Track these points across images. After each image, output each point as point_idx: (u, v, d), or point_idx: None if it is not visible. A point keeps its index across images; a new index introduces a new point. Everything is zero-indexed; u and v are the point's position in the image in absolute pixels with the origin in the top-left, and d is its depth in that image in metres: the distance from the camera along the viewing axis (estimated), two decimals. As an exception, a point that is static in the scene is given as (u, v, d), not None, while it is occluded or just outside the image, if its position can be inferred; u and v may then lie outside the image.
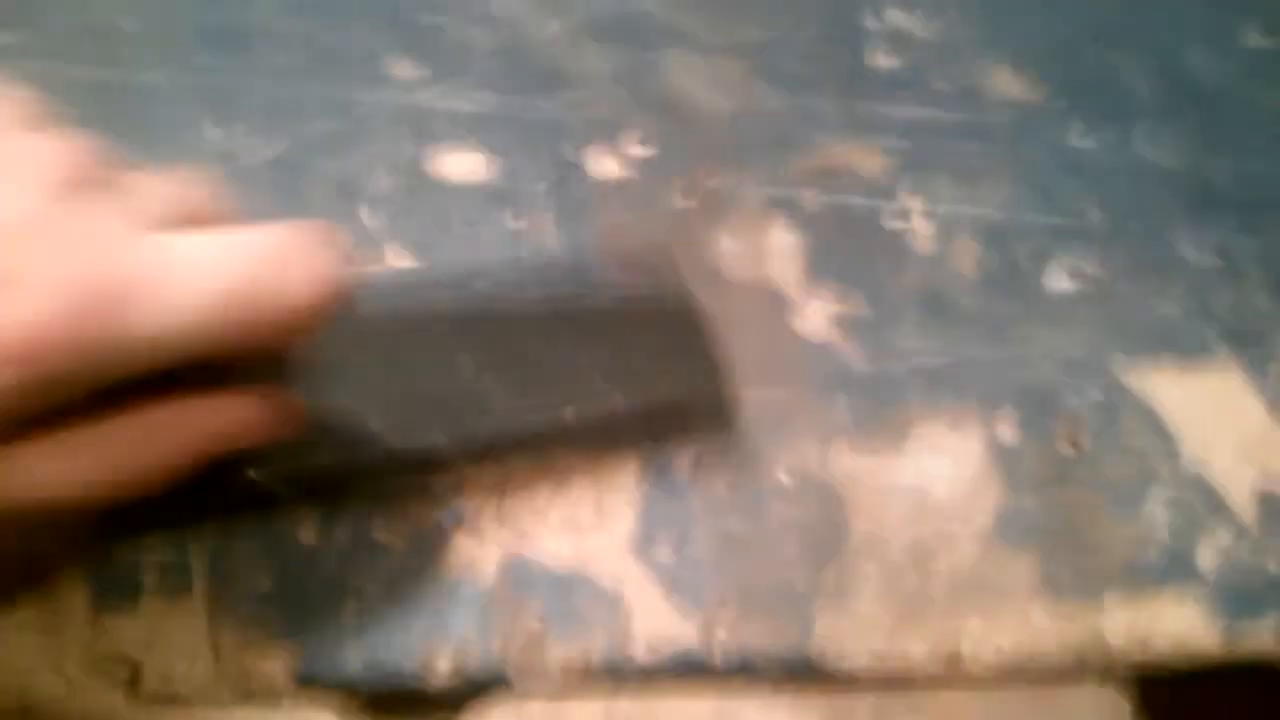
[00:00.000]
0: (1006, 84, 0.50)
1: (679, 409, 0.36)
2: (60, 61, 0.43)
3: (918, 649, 0.35)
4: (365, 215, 0.41)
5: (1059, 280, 0.43)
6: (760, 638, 0.34)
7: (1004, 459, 0.39)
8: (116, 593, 0.33)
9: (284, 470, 0.32)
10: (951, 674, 0.35)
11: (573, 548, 0.35)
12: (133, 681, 0.32)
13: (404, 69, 0.45)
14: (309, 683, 0.32)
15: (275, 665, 0.32)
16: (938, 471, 0.38)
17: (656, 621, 0.34)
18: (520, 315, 0.36)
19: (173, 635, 0.32)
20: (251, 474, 0.31)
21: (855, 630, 0.35)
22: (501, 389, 0.34)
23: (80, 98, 0.34)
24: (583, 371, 0.35)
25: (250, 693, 0.32)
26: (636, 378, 0.35)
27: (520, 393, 0.34)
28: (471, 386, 0.34)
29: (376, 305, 0.35)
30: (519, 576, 0.34)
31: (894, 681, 0.34)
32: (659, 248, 0.38)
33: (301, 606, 0.33)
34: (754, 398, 0.39)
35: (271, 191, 0.41)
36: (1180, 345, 0.42)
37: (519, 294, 0.36)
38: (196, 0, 0.45)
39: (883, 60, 0.49)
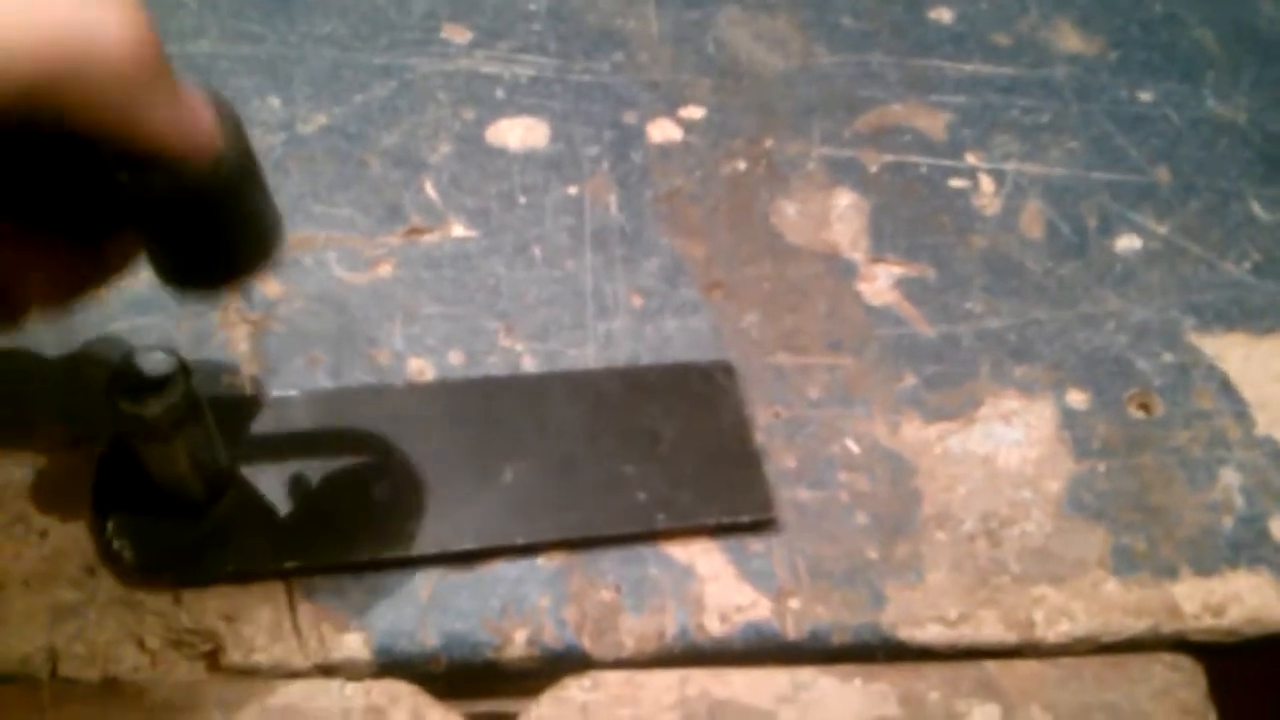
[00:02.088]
0: (1067, 38, 0.49)
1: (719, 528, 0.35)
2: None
3: (990, 620, 0.35)
4: (428, 185, 0.40)
5: (1127, 241, 0.43)
6: (832, 609, 0.34)
7: (1074, 426, 0.38)
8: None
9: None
10: (1024, 645, 0.35)
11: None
12: (214, 655, 0.32)
13: (457, 34, 0.44)
14: (388, 657, 0.32)
15: (354, 640, 0.32)
16: (1008, 439, 0.38)
17: (729, 593, 0.34)
18: (571, 428, 0.36)
19: (252, 610, 0.33)
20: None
21: (927, 602, 0.35)
22: (542, 501, 0.34)
23: None
24: (628, 488, 0.35)
25: (330, 667, 0.32)
26: (681, 499, 0.35)
27: (563, 506, 0.34)
28: (512, 496, 0.34)
29: (423, 412, 0.35)
30: (592, 556, 0.34)
31: (965, 653, 0.34)
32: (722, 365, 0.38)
33: (380, 582, 0.33)
34: (821, 365, 0.38)
35: (332, 161, 0.40)
36: (1252, 308, 0.41)
37: (570, 406, 0.36)
38: (246, -35, 0.44)
39: (940, 15, 0.48)
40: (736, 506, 0.35)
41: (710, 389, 0.37)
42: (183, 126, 0.25)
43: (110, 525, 0.33)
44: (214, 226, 0.28)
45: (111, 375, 0.28)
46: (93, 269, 0.30)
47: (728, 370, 0.38)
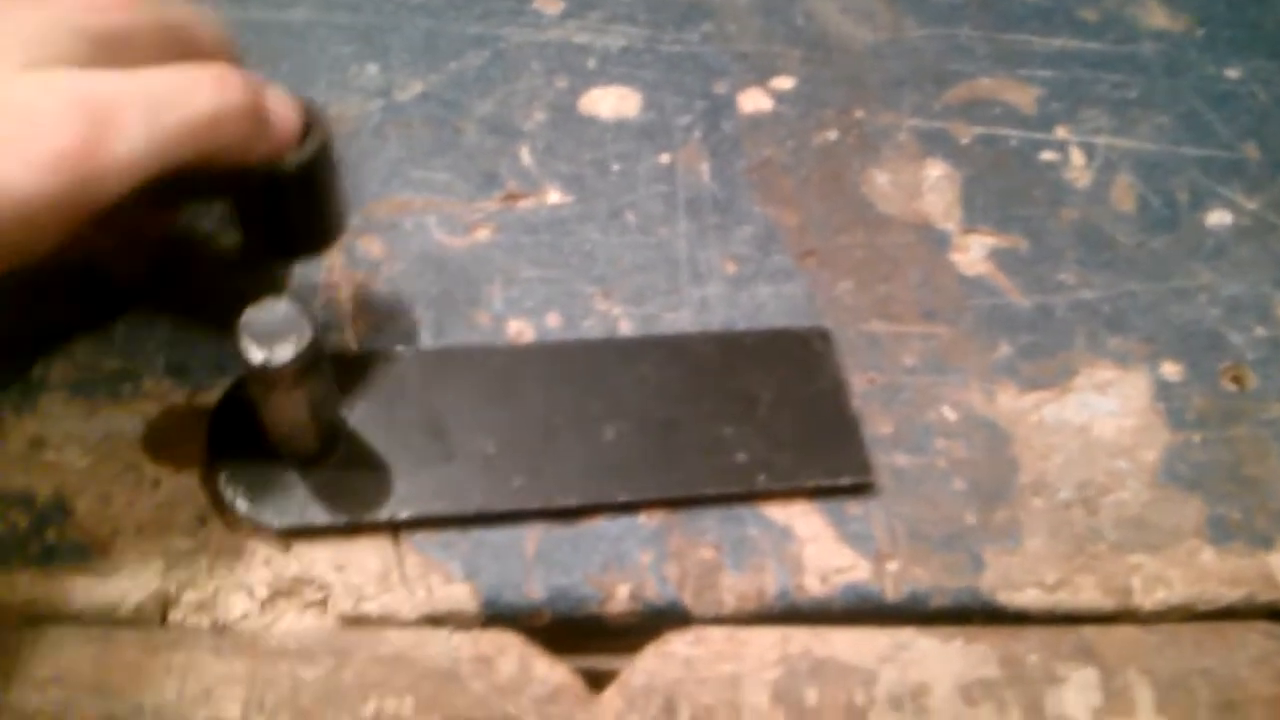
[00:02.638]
0: (1154, 14, 0.48)
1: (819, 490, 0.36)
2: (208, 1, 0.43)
3: (1087, 586, 0.35)
4: (524, 152, 0.41)
5: (1217, 216, 0.42)
6: (931, 573, 0.34)
7: (1169, 397, 0.38)
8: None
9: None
10: (1120, 612, 0.35)
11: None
12: (323, 604, 0.33)
13: (549, 4, 0.45)
14: (493, 609, 0.33)
15: (461, 591, 0.33)
16: (1103, 409, 0.38)
17: (828, 554, 0.34)
18: (670, 390, 0.36)
19: (362, 560, 0.33)
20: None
21: (1025, 567, 0.35)
22: (642, 460, 0.35)
23: (244, 41, 0.34)
24: (727, 449, 0.35)
25: (437, 617, 0.33)
26: (781, 461, 0.35)
27: (664, 465, 0.35)
28: (613, 454, 0.35)
29: (525, 372, 0.36)
30: (692, 515, 0.35)
31: (1063, 618, 0.34)
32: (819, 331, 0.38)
33: (486, 536, 0.34)
34: (915, 334, 0.38)
35: (429, 127, 0.41)
36: (1346, 283, 0.41)
37: (668, 369, 0.37)
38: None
39: (1027, -10, 0.48)
40: (836, 469, 0.35)
41: (807, 354, 0.37)
42: (275, 144, 0.32)
43: (223, 475, 0.33)
44: (291, 209, 0.34)
45: (240, 322, 0.29)
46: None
47: (824, 336, 0.38)
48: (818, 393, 0.37)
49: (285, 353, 0.28)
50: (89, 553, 0.33)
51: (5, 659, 0.31)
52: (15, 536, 0.33)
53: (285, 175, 0.32)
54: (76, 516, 0.33)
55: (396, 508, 0.33)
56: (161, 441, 0.35)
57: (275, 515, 0.33)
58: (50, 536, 0.33)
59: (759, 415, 0.36)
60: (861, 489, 0.35)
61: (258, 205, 0.33)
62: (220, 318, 0.33)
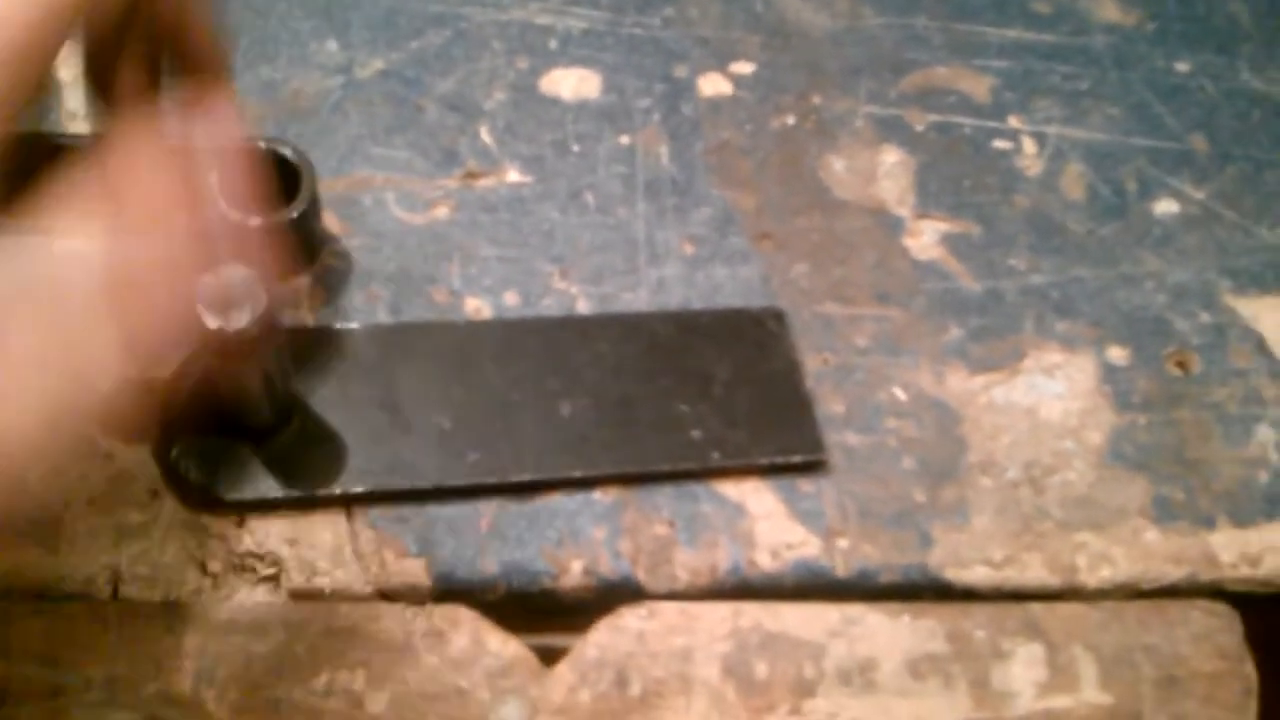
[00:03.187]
0: (1104, 8, 0.49)
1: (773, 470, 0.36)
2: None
3: (1034, 564, 0.35)
4: (484, 131, 0.41)
5: (1165, 205, 0.43)
6: (881, 549, 0.35)
7: (1115, 380, 0.39)
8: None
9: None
10: (1066, 589, 0.35)
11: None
12: (275, 579, 0.33)
13: (511, -16, 0.45)
14: (447, 584, 0.33)
15: (415, 565, 0.33)
16: (1051, 391, 0.38)
17: (780, 530, 0.35)
18: (626, 367, 0.36)
19: (315, 534, 0.33)
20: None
21: (972, 544, 0.35)
22: (598, 436, 0.35)
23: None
24: (682, 427, 0.36)
25: (391, 592, 0.33)
26: (734, 438, 0.36)
27: (619, 441, 0.35)
28: (570, 431, 0.35)
29: (483, 348, 0.36)
30: (647, 492, 0.35)
31: (1010, 595, 0.35)
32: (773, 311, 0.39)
33: (440, 511, 0.34)
34: (869, 315, 0.39)
35: (389, 105, 0.41)
36: (1287, 272, 0.42)
37: (624, 346, 0.37)
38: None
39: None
40: (789, 447, 0.36)
41: (762, 334, 0.38)
42: None
43: (176, 449, 0.33)
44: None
45: (196, 289, 0.28)
46: None
47: (778, 316, 0.38)
48: (772, 372, 0.37)
49: (241, 319, 0.28)
50: (40, 525, 0.33)
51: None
52: (-37, 508, 0.32)
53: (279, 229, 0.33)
54: (27, 488, 0.33)
55: (351, 482, 0.33)
56: (114, 414, 0.35)
57: (228, 489, 0.33)
58: (-1, 508, 0.32)
59: (714, 394, 0.36)
60: (814, 466, 0.36)
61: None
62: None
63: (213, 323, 0.28)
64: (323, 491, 0.33)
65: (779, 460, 0.36)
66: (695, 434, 0.35)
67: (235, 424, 0.33)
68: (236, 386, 0.31)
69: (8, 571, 0.32)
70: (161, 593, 0.33)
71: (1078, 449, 0.37)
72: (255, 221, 0.34)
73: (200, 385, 0.33)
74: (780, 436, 0.36)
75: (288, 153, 0.34)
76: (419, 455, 0.34)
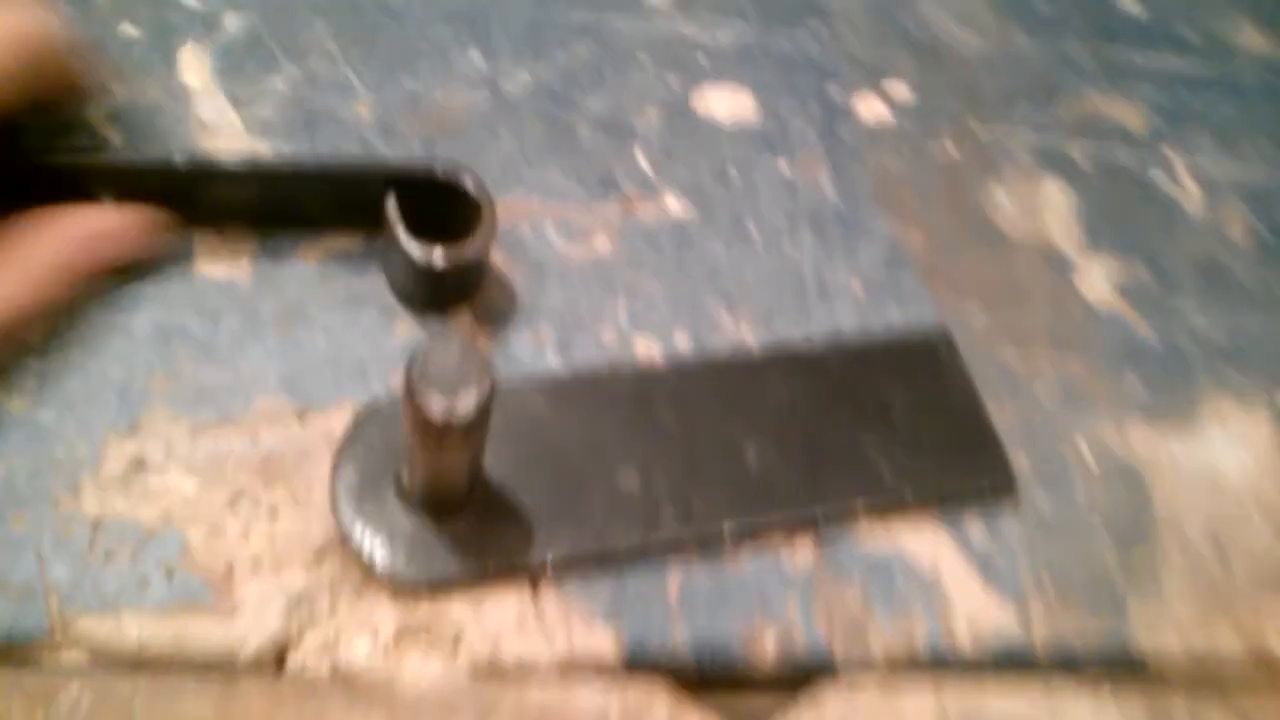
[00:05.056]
0: (1250, 37, 0.48)
1: (964, 499, 0.35)
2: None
3: (1223, 634, 0.34)
4: (639, 155, 0.38)
5: (1325, 247, 0.42)
6: (1076, 619, 0.33)
7: (1292, 435, 0.38)
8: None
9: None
10: (1260, 670, 0.34)
11: (887, 529, 0.34)
12: (454, 648, 0.31)
13: (656, -7, 0.42)
14: (637, 654, 0.31)
15: (603, 635, 0.31)
16: (1229, 450, 0.37)
17: (972, 597, 0.33)
18: (801, 402, 0.34)
19: (496, 602, 0.31)
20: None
21: (1168, 620, 0.34)
22: (785, 479, 0.33)
23: (339, 19, 0.31)
24: (868, 460, 0.34)
25: (576, 663, 0.31)
26: (921, 468, 0.34)
27: (806, 483, 0.33)
28: (758, 476, 0.33)
29: (657, 395, 0.34)
30: (837, 559, 0.33)
31: (1208, 680, 0.34)
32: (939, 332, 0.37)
33: (627, 573, 0.32)
34: (1047, 363, 0.37)
35: (540, 123, 0.38)
36: None
37: (798, 381, 0.35)
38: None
39: (1126, 4, 0.47)
40: (979, 473, 0.34)
41: (933, 360, 0.36)
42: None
43: (358, 525, 0.31)
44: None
45: (413, 365, 0.26)
46: None
47: (948, 340, 0.36)
48: (948, 397, 0.35)
49: (468, 403, 0.25)
50: (204, 591, 0.30)
51: (114, 710, 0.28)
52: (119, 570, 0.30)
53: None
54: (188, 549, 0.30)
55: (534, 551, 0.31)
56: (278, 467, 0.32)
57: (413, 567, 0.30)
58: (160, 571, 0.30)
59: (895, 424, 0.35)
60: (1004, 491, 0.34)
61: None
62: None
63: (438, 408, 0.25)
64: (510, 565, 0.31)
65: (970, 485, 0.34)
66: (882, 465, 0.34)
67: (423, 498, 0.31)
68: (443, 464, 0.28)
69: (171, 643, 0.29)
70: (331, 661, 0.30)
71: (1258, 509, 0.36)
72: (439, 261, 0.31)
73: (376, 445, 0.30)
74: (968, 463, 0.34)
75: (469, 184, 0.32)
76: (606, 515, 0.32)
